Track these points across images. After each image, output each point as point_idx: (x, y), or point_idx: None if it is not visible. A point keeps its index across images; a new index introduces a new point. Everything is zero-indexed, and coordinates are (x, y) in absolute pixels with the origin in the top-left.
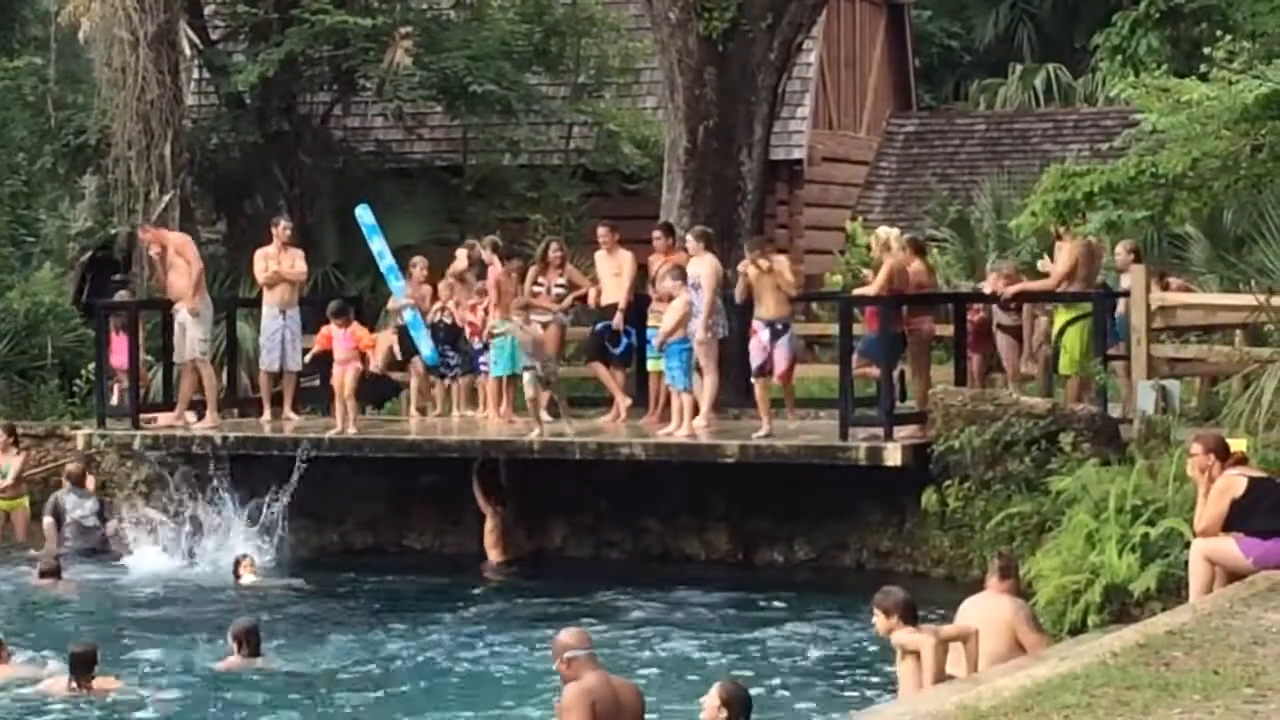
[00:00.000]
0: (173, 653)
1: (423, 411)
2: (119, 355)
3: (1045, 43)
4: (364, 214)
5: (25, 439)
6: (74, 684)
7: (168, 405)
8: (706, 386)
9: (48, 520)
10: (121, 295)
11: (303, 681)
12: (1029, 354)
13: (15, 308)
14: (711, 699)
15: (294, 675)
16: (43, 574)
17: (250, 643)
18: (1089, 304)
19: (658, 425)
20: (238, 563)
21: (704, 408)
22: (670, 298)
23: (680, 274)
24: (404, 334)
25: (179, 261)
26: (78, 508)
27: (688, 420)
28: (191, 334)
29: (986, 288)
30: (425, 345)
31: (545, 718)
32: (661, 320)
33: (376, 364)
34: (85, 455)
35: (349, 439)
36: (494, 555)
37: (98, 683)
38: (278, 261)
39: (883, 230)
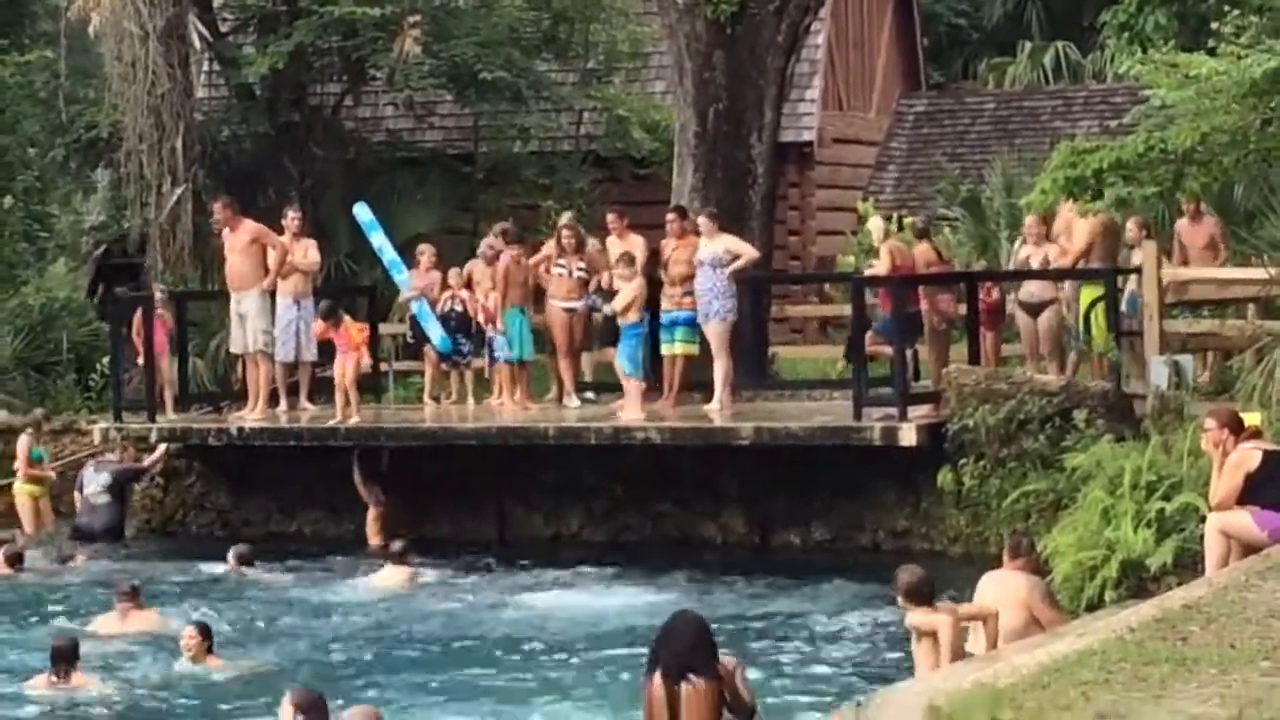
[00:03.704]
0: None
1: (436, 399)
2: (157, 343)
3: (1054, 20)
4: (361, 211)
5: (43, 434)
6: (54, 677)
7: (201, 397)
8: (720, 370)
9: (76, 495)
10: (158, 289)
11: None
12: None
13: (30, 303)
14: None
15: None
16: (6, 559)
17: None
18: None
19: (673, 408)
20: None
21: (719, 391)
22: (683, 279)
23: (630, 261)
24: (414, 323)
25: (253, 248)
26: (92, 482)
27: (633, 403)
28: (254, 325)
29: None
30: (435, 333)
31: None
32: (675, 304)
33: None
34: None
35: (364, 428)
36: (374, 541)
37: (77, 677)
38: (291, 252)
39: (871, 222)
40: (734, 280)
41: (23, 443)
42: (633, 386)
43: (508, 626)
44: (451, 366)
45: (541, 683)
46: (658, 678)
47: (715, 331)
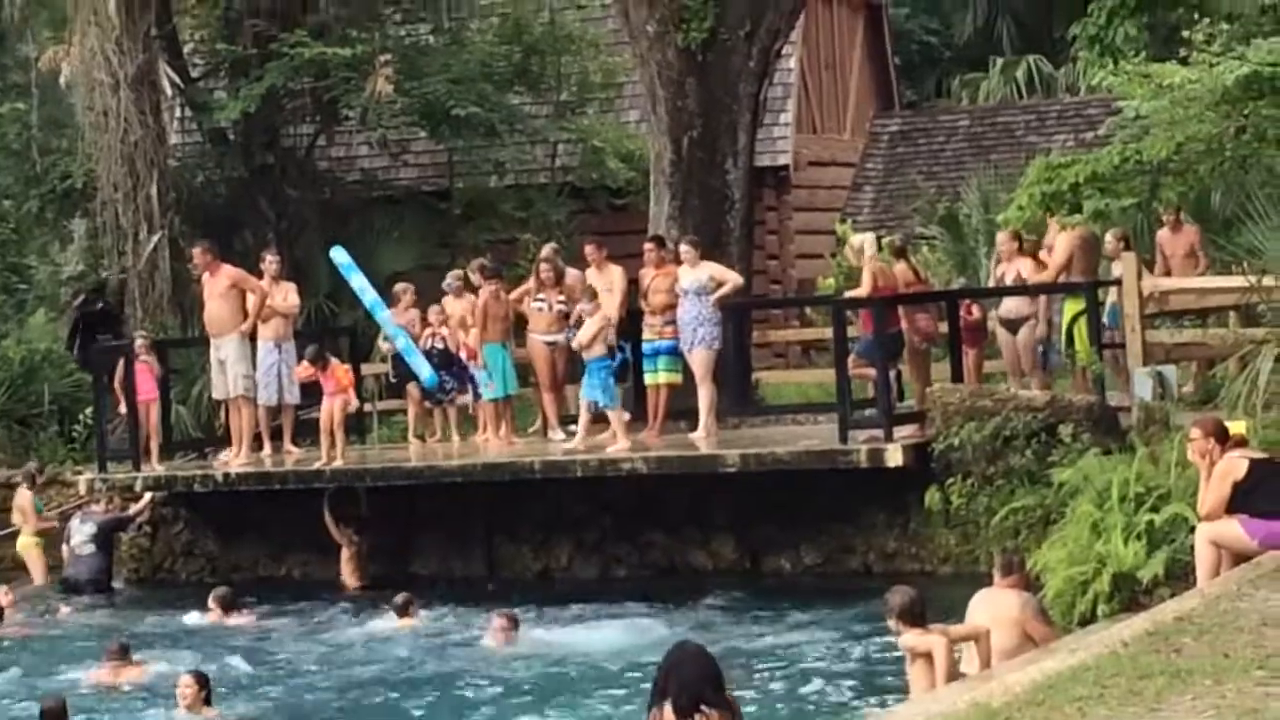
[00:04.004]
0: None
1: (421, 438)
2: (145, 390)
3: (1024, 35)
4: (339, 254)
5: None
6: None
7: (185, 444)
8: (704, 397)
9: (64, 548)
10: (140, 336)
11: None
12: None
13: (10, 355)
14: None
15: None
16: None
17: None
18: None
19: (658, 438)
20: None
21: (704, 418)
22: (664, 309)
23: (592, 295)
24: (397, 361)
25: (232, 293)
26: (78, 533)
27: (621, 432)
28: (234, 370)
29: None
30: (423, 370)
31: None
32: (656, 333)
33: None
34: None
35: (350, 469)
36: (351, 581)
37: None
38: (270, 295)
39: (856, 238)
40: (718, 307)
41: (25, 495)
42: (615, 416)
43: (502, 665)
44: (435, 404)
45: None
46: (668, 710)
47: (700, 359)
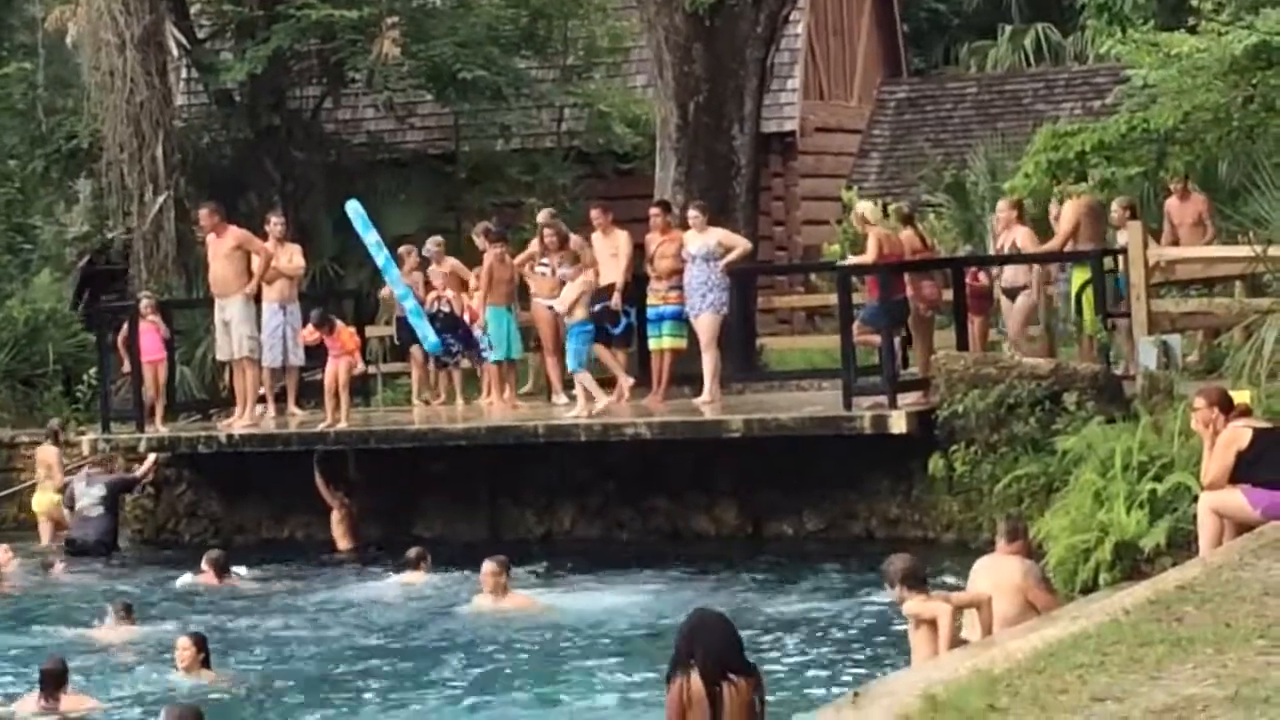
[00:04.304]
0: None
1: (426, 401)
2: (151, 350)
3: (1033, 3)
4: (354, 208)
5: (31, 446)
6: (43, 700)
7: (189, 405)
8: (709, 362)
9: (64, 511)
10: (145, 297)
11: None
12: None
13: (15, 315)
14: None
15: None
16: None
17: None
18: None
19: (662, 403)
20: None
21: (709, 383)
22: (669, 274)
23: (574, 260)
24: (401, 324)
25: (237, 254)
26: (85, 495)
27: (594, 391)
28: (239, 331)
29: (996, 228)
30: (428, 335)
31: None
32: (661, 298)
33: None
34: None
35: (354, 431)
36: (343, 544)
37: (67, 700)
38: (275, 257)
39: (861, 205)
40: (725, 273)
41: (51, 451)
42: (584, 377)
43: (505, 627)
44: (439, 367)
45: (549, 683)
46: (695, 678)
47: (706, 324)
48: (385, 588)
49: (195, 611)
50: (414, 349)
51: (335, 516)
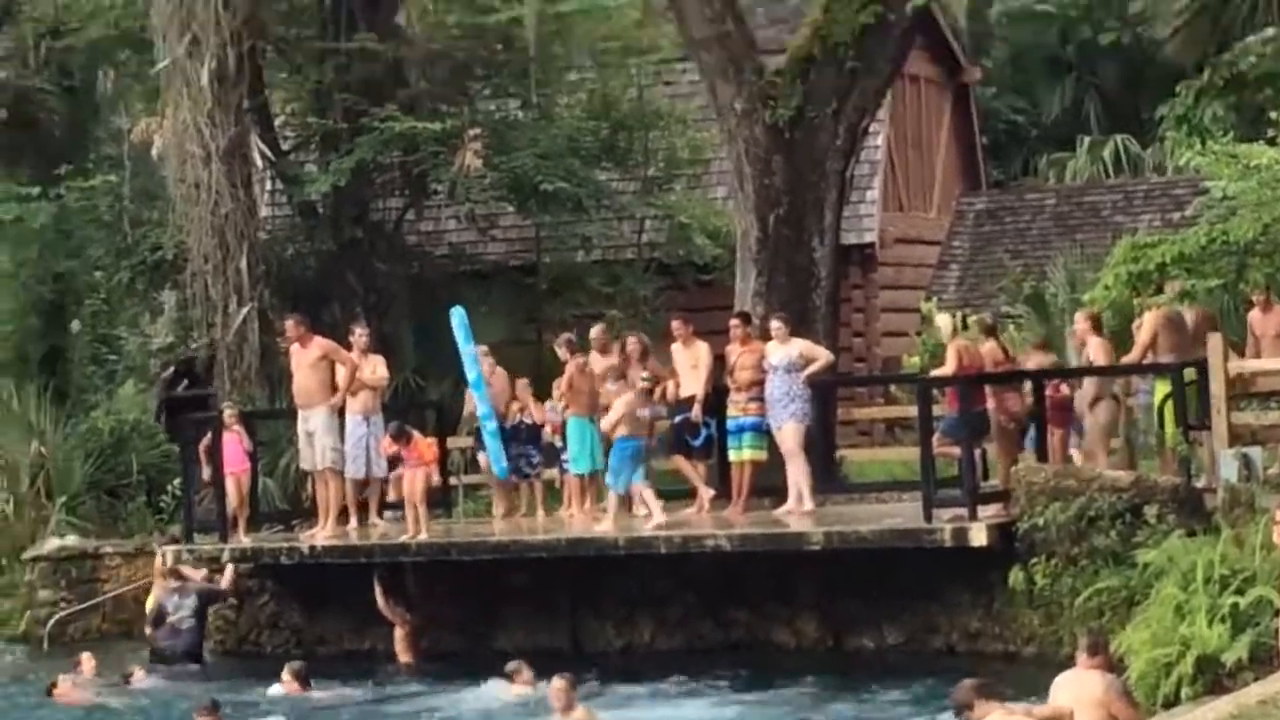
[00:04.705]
0: None
1: (507, 515)
2: (234, 461)
3: (1112, 114)
4: (460, 317)
5: (115, 556)
6: None
7: (271, 516)
8: (800, 472)
9: (149, 628)
10: (227, 407)
11: None
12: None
13: (100, 426)
14: None
15: None
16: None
17: None
18: (1185, 375)
19: (742, 515)
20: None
21: (804, 492)
22: (749, 385)
23: (620, 375)
24: (478, 438)
25: (321, 365)
26: (179, 607)
27: (614, 514)
28: (322, 442)
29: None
30: (500, 458)
31: None
32: (741, 409)
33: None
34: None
35: (435, 543)
36: (404, 658)
37: None
38: (358, 368)
39: (939, 319)
40: (807, 384)
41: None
42: (613, 499)
43: None
44: (521, 478)
45: None
46: None
47: (791, 433)
48: (480, 696)
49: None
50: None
51: (399, 633)
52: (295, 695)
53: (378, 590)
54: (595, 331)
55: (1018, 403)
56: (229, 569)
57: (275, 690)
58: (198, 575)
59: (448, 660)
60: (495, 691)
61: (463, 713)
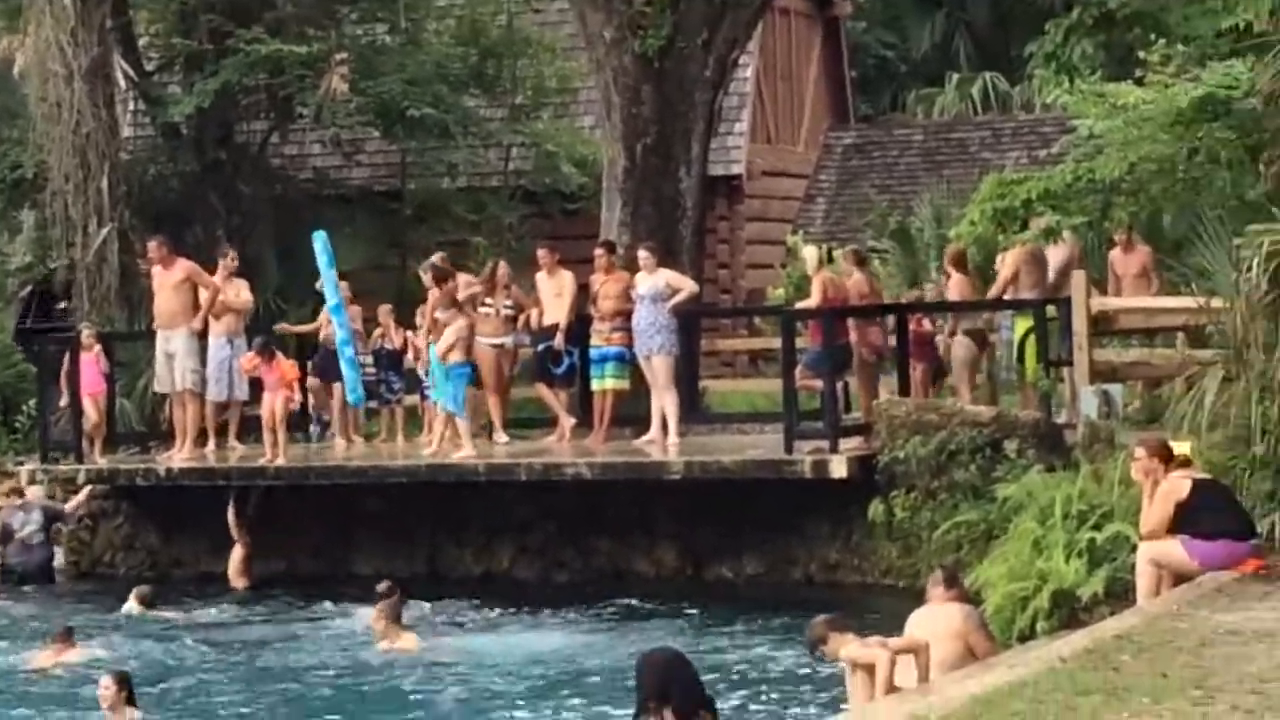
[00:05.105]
0: None
1: (366, 437)
2: (91, 382)
3: (981, 51)
4: (322, 240)
5: None
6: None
7: (128, 437)
8: (669, 404)
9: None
10: (86, 328)
11: None
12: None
13: None
14: None
15: None
16: None
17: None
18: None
19: (603, 443)
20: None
21: (672, 425)
22: (613, 315)
23: (451, 304)
24: (327, 357)
25: (184, 287)
26: (27, 523)
27: (467, 441)
28: (183, 364)
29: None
30: (356, 386)
31: None
32: (604, 339)
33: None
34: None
35: (294, 467)
36: (240, 581)
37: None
38: (223, 291)
39: (805, 250)
40: (673, 314)
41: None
42: (462, 424)
43: (443, 667)
44: (382, 405)
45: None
46: (669, 716)
47: (661, 366)
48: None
49: (130, 641)
50: (336, 385)
51: (238, 554)
52: (138, 615)
53: (231, 511)
54: (434, 260)
55: (880, 337)
56: (82, 493)
57: (128, 608)
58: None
59: (303, 584)
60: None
61: (323, 636)
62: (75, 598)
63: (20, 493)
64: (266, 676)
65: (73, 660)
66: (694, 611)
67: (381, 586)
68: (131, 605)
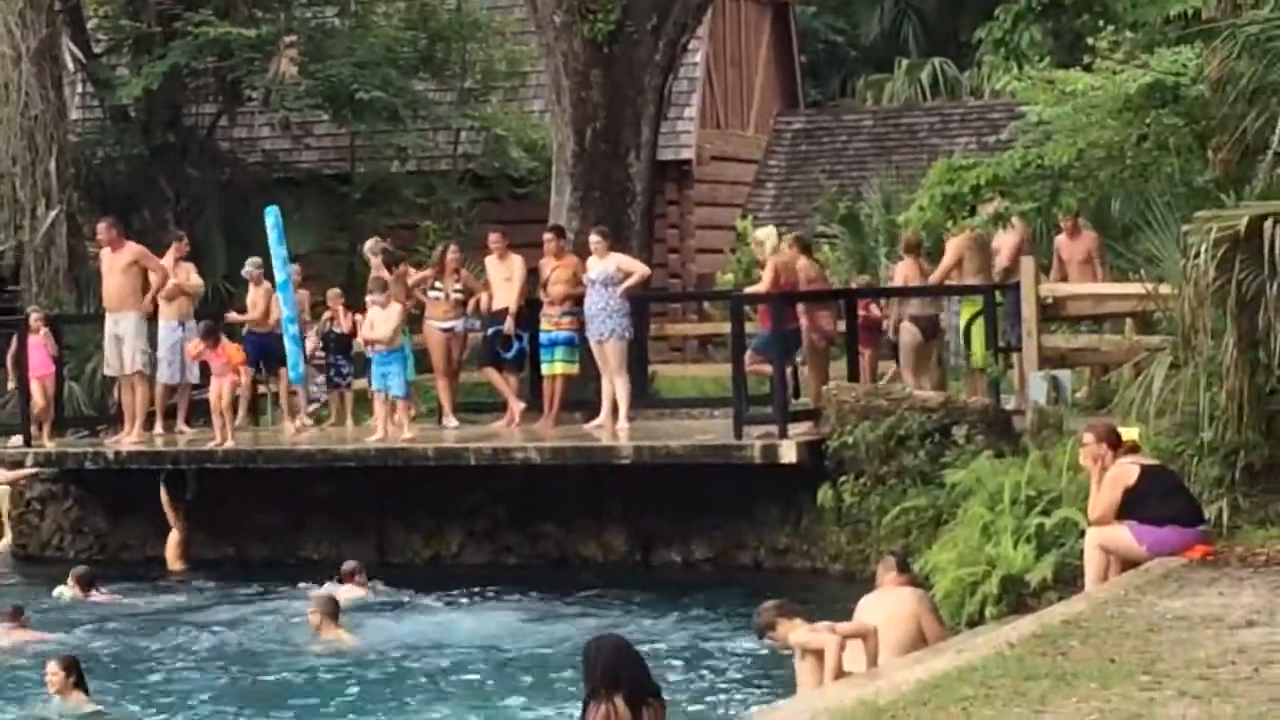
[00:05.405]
0: None
1: (318, 421)
2: (39, 365)
3: (930, 37)
4: (275, 216)
5: None
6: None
7: (77, 420)
8: (620, 388)
9: None
10: (34, 311)
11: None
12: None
13: None
14: None
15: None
16: None
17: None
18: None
19: (553, 428)
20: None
21: (623, 409)
22: (563, 299)
23: (382, 286)
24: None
25: (133, 270)
26: None
27: (405, 424)
28: (132, 346)
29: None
30: (297, 364)
31: None
32: (554, 324)
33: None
34: None
35: (242, 450)
36: (177, 565)
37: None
38: (173, 275)
39: (761, 232)
40: (624, 298)
41: None
42: (403, 406)
43: (392, 650)
44: (331, 388)
45: (432, 708)
46: (621, 703)
47: (613, 351)
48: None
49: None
50: (281, 369)
51: (174, 537)
52: (75, 599)
53: (163, 493)
54: (369, 244)
55: (830, 322)
56: (21, 470)
57: (60, 591)
58: None
59: (252, 568)
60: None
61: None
62: (22, 580)
63: None
64: (211, 659)
65: (22, 639)
66: (643, 596)
67: (347, 566)
68: (66, 588)
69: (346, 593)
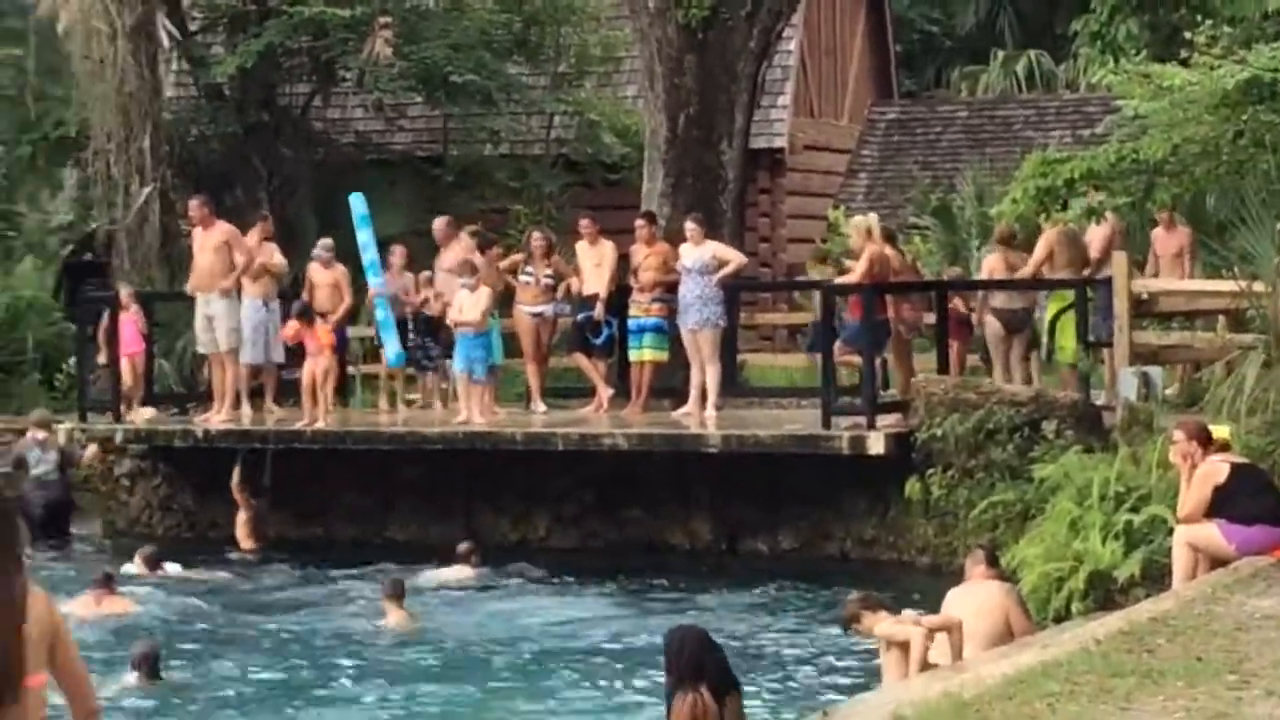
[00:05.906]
0: None
1: (407, 404)
2: (130, 342)
3: (1026, 29)
4: (359, 202)
5: (6, 433)
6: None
7: (167, 398)
8: (711, 377)
9: (6, 470)
10: (125, 288)
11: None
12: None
13: None
14: None
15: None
16: None
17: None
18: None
19: (641, 414)
20: None
21: (711, 397)
22: (652, 286)
23: (471, 270)
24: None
25: (224, 249)
26: (41, 462)
27: (482, 408)
28: (223, 325)
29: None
30: (392, 345)
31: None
32: (643, 310)
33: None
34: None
35: (331, 431)
36: (248, 543)
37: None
38: (257, 255)
39: (860, 219)
40: (719, 286)
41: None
42: (478, 390)
43: (474, 633)
44: (420, 370)
45: (519, 694)
46: (707, 693)
47: (708, 339)
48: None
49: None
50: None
51: (241, 517)
52: (143, 576)
53: (236, 474)
54: (437, 224)
55: (915, 313)
56: (90, 449)
57: (127, 568)
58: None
59: (340, 549)
60: (447, 574)
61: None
62: (105, 553)
63: (48, 425)
64: (279, 641)
65: (110, 610)
66: (728, 585)
67: (462, 547)
68: (133, 566)
69: (455, 573)
